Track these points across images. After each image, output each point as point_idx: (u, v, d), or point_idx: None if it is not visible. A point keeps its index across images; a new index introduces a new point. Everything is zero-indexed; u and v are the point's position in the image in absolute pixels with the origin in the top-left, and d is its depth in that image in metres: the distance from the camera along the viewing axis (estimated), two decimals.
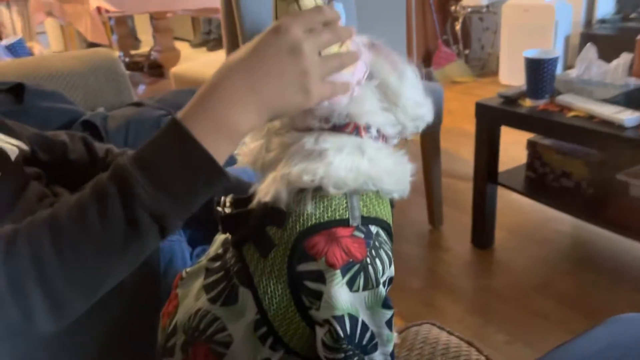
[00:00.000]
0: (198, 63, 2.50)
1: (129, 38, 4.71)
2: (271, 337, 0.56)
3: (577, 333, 1.44)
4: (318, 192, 0.55)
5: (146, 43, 5.52)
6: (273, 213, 0.55)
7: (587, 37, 3.09)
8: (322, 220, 0.54)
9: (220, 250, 0.62)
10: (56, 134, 0.81)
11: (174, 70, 2.47)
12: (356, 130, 0.57)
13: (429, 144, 1.81)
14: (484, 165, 1.68)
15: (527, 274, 1.65)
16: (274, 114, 0.52)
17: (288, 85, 0.51)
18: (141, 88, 3.89)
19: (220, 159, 0.49)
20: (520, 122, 1.53)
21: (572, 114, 1.42)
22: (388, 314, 0.54)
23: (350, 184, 0.55)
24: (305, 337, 0.56)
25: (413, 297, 1.58)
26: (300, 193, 0.55)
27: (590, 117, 1.38)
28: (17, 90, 1.15)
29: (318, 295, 0.53)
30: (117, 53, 4.32)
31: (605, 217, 1.47)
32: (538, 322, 1.45)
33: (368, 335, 0.53)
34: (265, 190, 0.56)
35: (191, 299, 0.61)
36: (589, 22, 3.28)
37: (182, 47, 4.95)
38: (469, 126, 2.37)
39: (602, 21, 3.19)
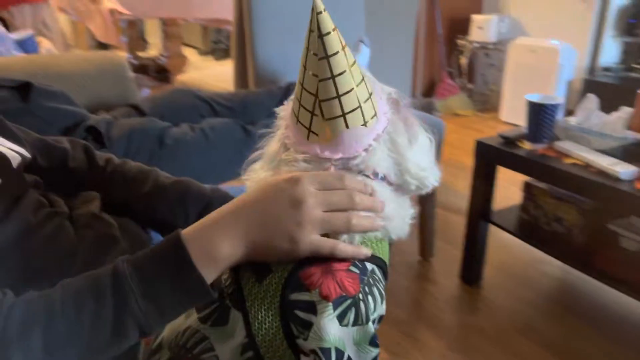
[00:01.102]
0: (203, 73, 2.53)
1: (138, 40, 4.75)
2: None
3: None
4: None
5: (154, 46, 5.56)
6: None
7: (590, 83, 3.14)
8: None
9: None
10: (58, 140, 0.82)
11: (180, 78, 2.49)
12: (364, 172, 0.59)
13: None
14: (478, 203, 1.69)
15: (511, 315, 1.65)
16: (257, 255, 0.56)
17: (279, 232, 0.54)
18: (145, 92, 3.91)
19: (208, 282, 0.54)
20: (518, 164, 1.54)
21: (569, 161, 1.43)
22: (374, 352, 0.55)
23: None
24: None
25: (396, 327, 1.58)
26: None
27: (587, 166, 1.39)
28: (24, 89, 1.16)
29: (307, 325, 0.53)
30: (125, 54, 4.33)
31: (594, 266, 1.48)
32: None
33: None
34: None
35: (181, 317, 0.62)
36: (592, 69, 3.32)
37: (190, 53, 4.98)
38: (467, 159, 2.39)
39: (606, 69, 3.24)
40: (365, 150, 0.58)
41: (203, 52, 5.79)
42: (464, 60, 3.82)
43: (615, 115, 1.47)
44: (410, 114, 0.63)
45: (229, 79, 2.20)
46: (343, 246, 0.56)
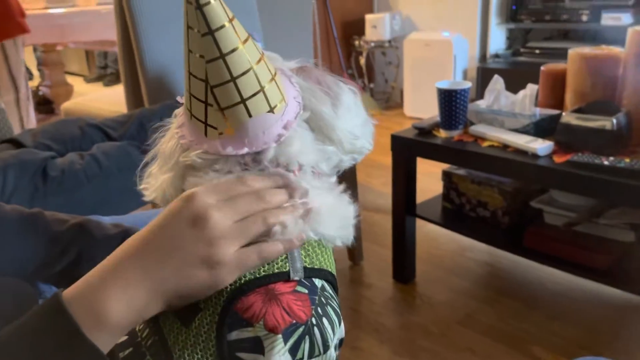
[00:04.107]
0: (90, 97, 2.31)
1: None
2: None
3: None
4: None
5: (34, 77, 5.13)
6: None
7: (483, 70, 3.26)
8: (257, 275, 0.45)
9: None
10: None
11: (65, 105, 2.26)
12: (289, 168, 0.49)
13: (345, 176, 1.75)
14: (401, 197, 1.65)
15: (449, 307, 1.62)
16: (174, 298, 0.43)
17: (189, 261, 0.43)
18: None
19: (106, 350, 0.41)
20: (437, 153, 1.52)
21: (487, 143, 1.42)
22: None
23: None
24: None
25: None
26: None
27: (505, 147, 1.38)
28: None
29: None
30: None
31: (521, 245, 1.47)
32: (465, 357, 1.41)
33: None
34: None
35: None
36: (483, 57, 3.46)
37: (76, 82, 4.65)
38: (381, 157, 2.37)
39: (496, 56, 3.38)
40: (276, 141, 0.48)
41: (90, 80, 5.42)
42: (362, 61, 3.84)
43: (522, 93, 1.48)
44: (322, 73, 0.54)
45: (121, 102, 2.02)
46: (270, 245, 0.46)
